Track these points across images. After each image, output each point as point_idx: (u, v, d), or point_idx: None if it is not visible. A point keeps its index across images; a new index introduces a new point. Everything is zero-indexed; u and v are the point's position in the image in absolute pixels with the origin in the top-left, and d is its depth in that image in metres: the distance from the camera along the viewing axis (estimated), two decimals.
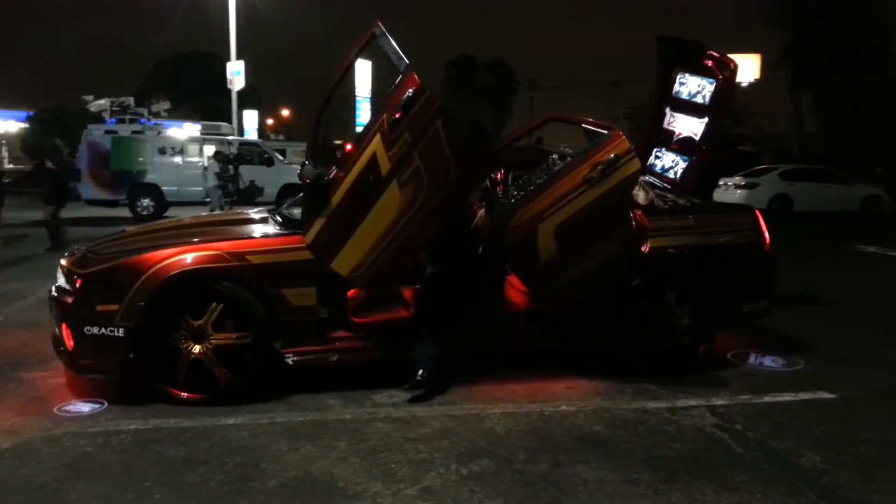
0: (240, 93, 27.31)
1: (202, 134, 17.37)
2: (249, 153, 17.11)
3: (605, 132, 4.11)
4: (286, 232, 4.25)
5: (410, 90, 3.69)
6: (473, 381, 4.24)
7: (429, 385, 4.03)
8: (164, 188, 16.21)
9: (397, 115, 3.69)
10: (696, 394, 4.15)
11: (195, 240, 4.12)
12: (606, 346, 4.54)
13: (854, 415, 3.87)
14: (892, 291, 7.84)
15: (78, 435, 3.46)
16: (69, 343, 3.87)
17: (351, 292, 4.32)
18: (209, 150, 16.49)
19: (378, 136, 3.76)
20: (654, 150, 5.51)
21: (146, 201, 16.25)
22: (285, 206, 5.09)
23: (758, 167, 18.96)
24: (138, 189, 16.19)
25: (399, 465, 3.13)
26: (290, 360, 4.01)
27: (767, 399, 4.10)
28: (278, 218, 4.65)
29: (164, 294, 3.79)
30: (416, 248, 3.95)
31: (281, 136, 41.80)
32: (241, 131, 29.92)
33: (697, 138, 5.43)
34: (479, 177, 4.21)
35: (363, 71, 51.68)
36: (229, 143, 17.03)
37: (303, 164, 3.94)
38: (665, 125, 5.56)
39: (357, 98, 49.50)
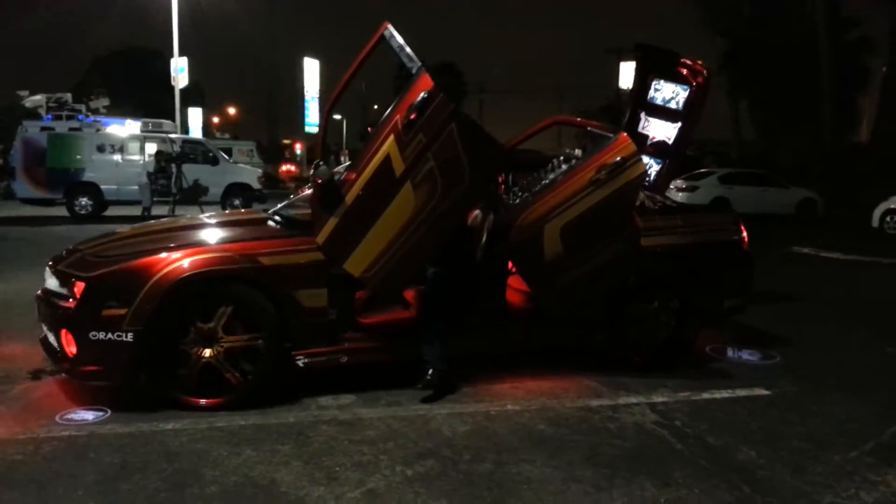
0: (184, 90, 26.67)
1: (143, 131, 16.89)
2: (193, 151, 16.73)
3: (611, 135, 4.22)
4: (295, 232, 4.18)
5: (424, 92, 3.71)
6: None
7: (439, 384, 4.06)
8: (102, 187, 15.71)
9: (412, 117, 3.70)
10: (637, 391, 4.24)
11: (203, 241, 4.07)
12: (604, 343, 4.68)
13: (788, 410, 4.00)
14: (832, 289, 8.17)
15: (5, 442, 3.31)
16: (70, 349, 3.70)
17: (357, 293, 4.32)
18: (151, 147, 16.08)
19: (392, 137, 3.76)
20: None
21: (84, 200, 15.73)
22: (281, 206, 5.03)
23: (698, 171, 19.54)
24: (76, 188, 15.65)
25: (343, 468, 3.09)
26: (300, 362, 3.96)
27: (706, 396, 4.21)
28: (278, 219, 4.62)
29: (175, 297, 3.68)
30: (429, 248, 3.95)
31: (227, 135, 40.93)
32: (185, 129, 29.18)
33: (671, 142, 5.58)
34: (490, 178, 4.26)
35: (311, 70, 51.17)
36: (172, 140, 16.62)
37: (317, 165, 3.89)
38: (640, 129, 5.71)
39: (306, 98, 48.97)
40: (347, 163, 5.03)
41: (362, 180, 3.81)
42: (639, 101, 5.63)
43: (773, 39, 27.66)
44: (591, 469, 3.17)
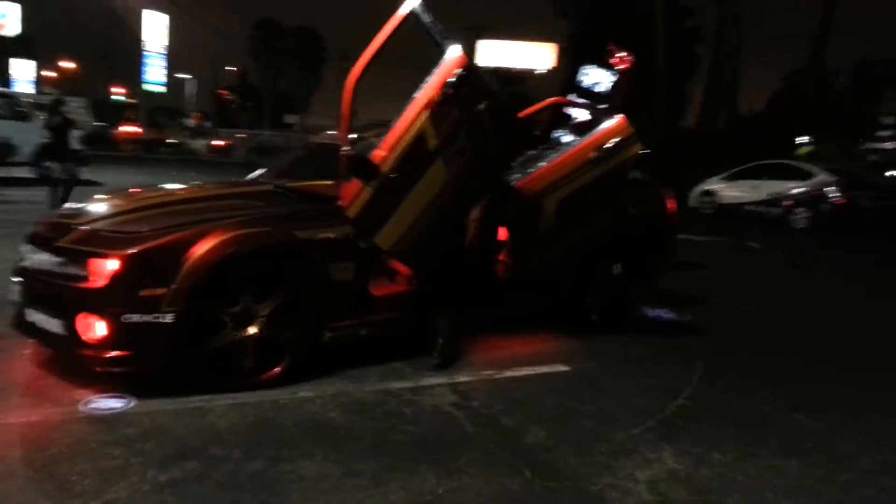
0: (13, 40, 23.82)
1: None
2: None
3: (611, 118, 4.63)
4: (319, 207, 4.04)
5: (461, 69, 3.80)
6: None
7: (450, 351, 4.24)
8: None
9: (449, 93, 3.78)
10: (441, 371, 4.12)
11: (233, 215, 3.81)
12: (563, 305, 5.11)
13: (583, 387, 4.04)
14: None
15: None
16: (91, 335, 3.37)
17: None
18: None
19: (427, 113, 3.81)
20: (558, 132, 5.91)
21: None
22: (280, 179, 4.70)
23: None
24: None
25: (82, 477, 2.67)
26: (326, 337, 3.96)
27: (508, 374, 4.17)
28: (283, 190, 4.40)
29: (218, 273, 3.51)
30: (455, 222, 4.20)
31: (52, 91, 37.08)
32: (7, 82, 26.12)
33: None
34: (514, 155, 4.51)
35: (159, 25, 47.48)
36: None
37: (356, 140, 3.95)
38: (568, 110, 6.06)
39: (145, 52, 45.32)
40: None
41: (397, 154, 3.81)
42: (570, 84, 5.99)
43: (615, 24, 28.93)
44: (375, 460, 2.98)
